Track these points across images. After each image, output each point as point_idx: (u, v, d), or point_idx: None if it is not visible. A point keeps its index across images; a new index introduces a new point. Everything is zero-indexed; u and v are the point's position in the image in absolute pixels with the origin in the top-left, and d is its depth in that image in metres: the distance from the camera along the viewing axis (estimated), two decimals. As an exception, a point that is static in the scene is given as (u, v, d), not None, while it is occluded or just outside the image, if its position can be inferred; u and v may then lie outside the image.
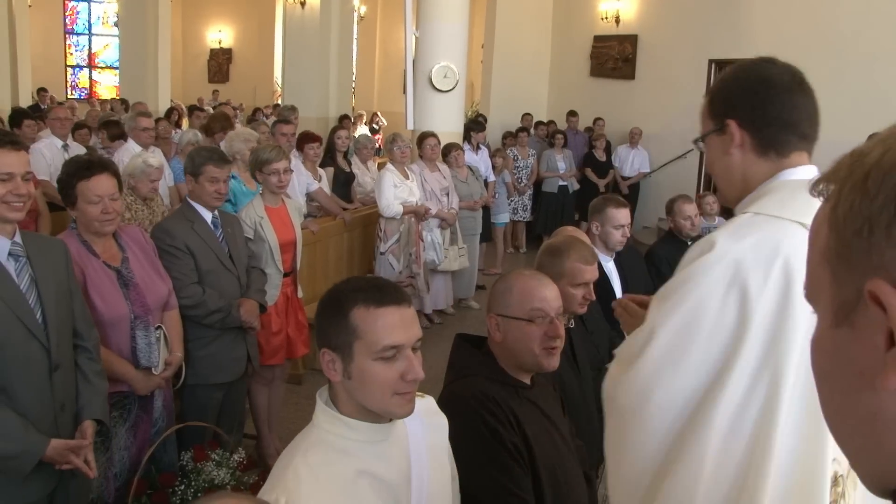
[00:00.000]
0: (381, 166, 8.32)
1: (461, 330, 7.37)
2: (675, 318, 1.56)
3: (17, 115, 7.76)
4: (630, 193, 11.26)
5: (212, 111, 11.08)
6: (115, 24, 19.70)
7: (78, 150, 7.48)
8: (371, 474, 1.69)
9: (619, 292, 3.93)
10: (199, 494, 3.31)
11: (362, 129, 15.86)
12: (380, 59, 21.51)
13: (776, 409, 1.49)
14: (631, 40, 12.10)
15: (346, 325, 1.66)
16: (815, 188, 0.74)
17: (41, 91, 16.39)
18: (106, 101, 17.61)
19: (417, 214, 7.06)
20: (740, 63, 1.77)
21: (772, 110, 1.65)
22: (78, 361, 2.76)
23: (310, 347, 4.87)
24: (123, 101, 14.23)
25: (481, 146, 9.73)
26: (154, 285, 3.38)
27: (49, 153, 6.98)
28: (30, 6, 16.75)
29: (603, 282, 3.61)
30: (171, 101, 15.97)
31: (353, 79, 18.63)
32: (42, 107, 13.56)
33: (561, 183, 11.06)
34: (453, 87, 8.56)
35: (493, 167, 9.76)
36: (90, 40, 22.73)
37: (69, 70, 22.61)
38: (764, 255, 1.52)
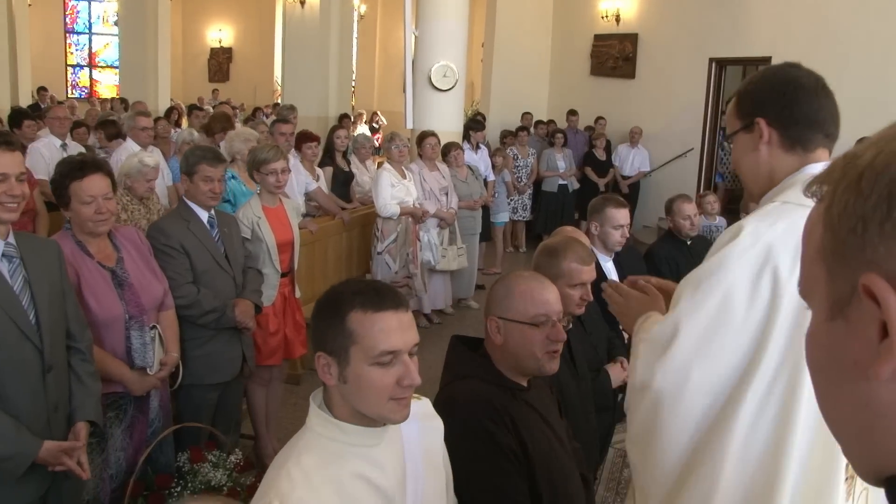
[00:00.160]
0: (381, 165, 8.30)
1: (461, 330, 7.40)
2: (711, 301, 1.66)
3: (17, 116, 7.75)
4: (630, 193, 11.25)
5: (211, 111, 11.08)
6: (116, 24, 19.67)
7: (77, 149, 7.47)
8: (366, 478, 1.68)
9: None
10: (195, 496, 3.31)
11: (362, 129, 15.86)
12: (380, 58, 21.50)
13: (799, 388, 1.59)
14: (631, 39, 12.09)
15: (342, 329, 1.65)
16: (808, 189, 0.77)
17: (41, 90, 16.40)
18: (106, 100, 17.62)
19: (415, 216, 7.03)
20: (768, 67, 1.92)
21: (799, 110, 1.76)
22: (71, 363, 2.74)
23: (308, 348, 4.85)
24: (123, 101, 14.23)
25: (481, 145, 9.71)
26: (149, 285, 3.36)
27: (47, 152, 6.96)
28: (29, 5, 16.76)
29: (601, 282, 3.59)
30: (171, 100, 15.97)
31: (353, 78, 18.63)
32: (42, 106, 13.55)
33: (561, 182, 11.04)
34: (453, 87, 8.55)
35: (493, 166, 9.74)
36: (90, 39, 22.75)
37: (70, 69, 22.62)
38: (793, 240, 1.55)
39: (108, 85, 22.20)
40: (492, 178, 9.53)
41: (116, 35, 18.99)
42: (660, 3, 11.86)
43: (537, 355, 2.28)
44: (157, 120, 8.69)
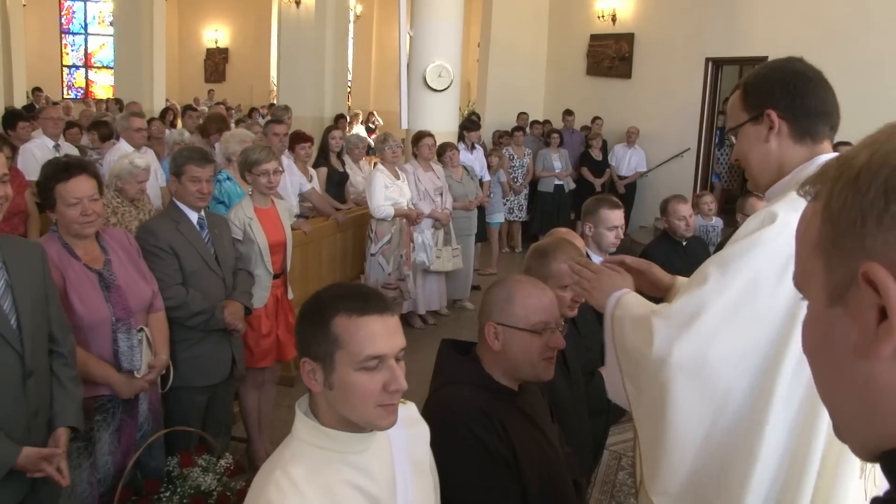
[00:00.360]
0: (376, 166, 8.27)
1: (456, 330, 7.37)
2: (740, 281, 1.70)
3: (11, 117, 7.69)
4: (626, 193, 11.24)
5: (206, 111, 11.04)
6: (112, 24, 19.63)
7: (70, 150, 7.44)
8: (355, 486, 1.65)
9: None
10: (185, 501, 3.27)
11: (359, 129, 15.83)
12: (376, 58, 21.50)
13: None
14: (627, 39, 12.07)
15: (327, 334, 1.62)
16: (801, 189, 0.83)
17: (36, 91, 16.36)
18: (101, 101, 17.59)
19: (409, 218, 7.00)
20: (772, 60, 1.94)
21: (809, 101, 1.81)
22: (53, 367, 2.70)
23: (300, 350, 4.81)
24: (118, 101, 14.19)
25: (476, 145, 9.69)
26: (137, 287, 3.32)
27: (40, 153, 6.91)
28: (24, 5, 16.68)
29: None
30: (167, 100, 15.93)
31: (349, 78, 18.60)
32: (36, 106, 13.51)
33: (557, 182, 11.03)
34: (448, 87, 8.52)
35: (489, 166, 9.72)
36: (86, 40, 22.71)
37: (65, 70, 22.58)
38: None
39: (104, 85, 22.17)
40: (487, 178, 9.51)
41: (112, 35, 18.96)
42: (656, 3, 11.85)
43: (535, 362, 2.24)
44: (150, 121, 8.66)
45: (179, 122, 11.82)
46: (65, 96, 20.91)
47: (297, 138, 7.04)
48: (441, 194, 7.50)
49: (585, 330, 3.47)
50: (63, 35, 22.51)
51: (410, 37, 8.70)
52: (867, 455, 0.79)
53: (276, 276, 4.59)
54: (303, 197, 6.89)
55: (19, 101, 14.17)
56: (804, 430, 1.69)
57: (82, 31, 22.71)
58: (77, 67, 22.79)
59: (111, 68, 20.30)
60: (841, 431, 0.82)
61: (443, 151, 7.90)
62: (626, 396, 1.95)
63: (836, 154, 1.75)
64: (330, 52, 14.18)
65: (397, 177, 7.02)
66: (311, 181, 6.98)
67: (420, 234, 7.29)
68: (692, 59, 11.10)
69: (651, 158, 11.63)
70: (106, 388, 3.21)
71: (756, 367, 1.69)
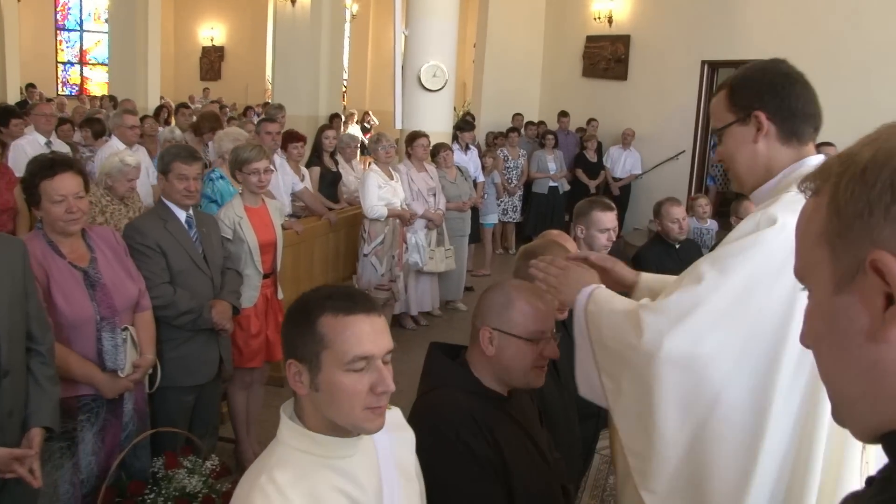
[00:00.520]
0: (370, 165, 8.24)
1: (448, 332, 7.34)
2: (735, 280, 1.70)
3: (4, 114, 7.62)
4: (621, 195, 11.23)
5: (201, 108, 11.00)
6: (107, 21, 19.56)
7: (61, 146, 7.39)
8: (342, 491, 1.62)
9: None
10: (169, 503, 3.23)
11: (354, 129, 15.80)
12: (372, 58, 21.46)
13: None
14: (623, 41, 12.05)
15: (313, 334, 1.59)
16: (801, 185, 0.88)
17: (30, 87, 16.28)
18: (96, 97, 17.52)
19: (402, 219, 6.96)
20: (757, 61, 1.94)
21: (796, 103, 1.83)
22: (30, 365, 2.65)
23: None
24: (112, 99, 14.14)
25: (470, 146, 9.66)
26: (123, 286, 3.29)
27: (31, 150, 6.84)
28: (18, 1, 16.61)
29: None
30: (161, 98, 15.88)
31: (345, 78, 18.56)
32: (29, 102, 13.44)
33: (551, 184, 11.02)
34: (442, 87, 8.49)
35: (483, 167, 9.69)
36: (81, 36, 22.62)
37: (60, 66, 22.49)
38: None
39: (98, 82, 22.10)
40: (481, 179, 9.48)
41: (107, 32, 18.89)
42: (652, 5, 11.84)
43: (527, 370, 2.21)
44: (143, 118, 8.61)
45: (173, 120, 11.79)
46: (59, 93, 20.79)
47: (290, 137, 7.00)
48: (434, 195, 7.47)
49: (576, 333, 3.44)
50: (58, 31, 22.41)
51: (405, 36, 8.67)
52: (868, 437, 0.83)
53: (265, 276, 4.55)
54: (295, 196, 6.85)
55: (13, 98, 14.11)
56: (806, 429, 1.70)
57: (77, 27, 22.62)
58: (72, 64, 22.70)
59: (106, 65, 20.19)
60: (842, 415, 0.86)
61: (437, 152, 7.86)
62: (603, 392, 1.94)
63: (821, 155, 1.80)
64: (325, 51, 14.14)
65: (391, 177, 6.98)
66: (303, 180, 6.94)
67: (413, 235, 7.26)
68: (688, 62, 11.09)
69: (646, 161, 11.62)
70: (90, 388, 3.17)
71: (752, 367, 1.69)
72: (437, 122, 8.53)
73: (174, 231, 3.78)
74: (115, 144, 6.56)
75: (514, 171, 10.72)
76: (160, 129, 9.12)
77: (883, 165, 0.77)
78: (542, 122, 12.53)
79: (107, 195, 4.78)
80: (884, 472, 0.81)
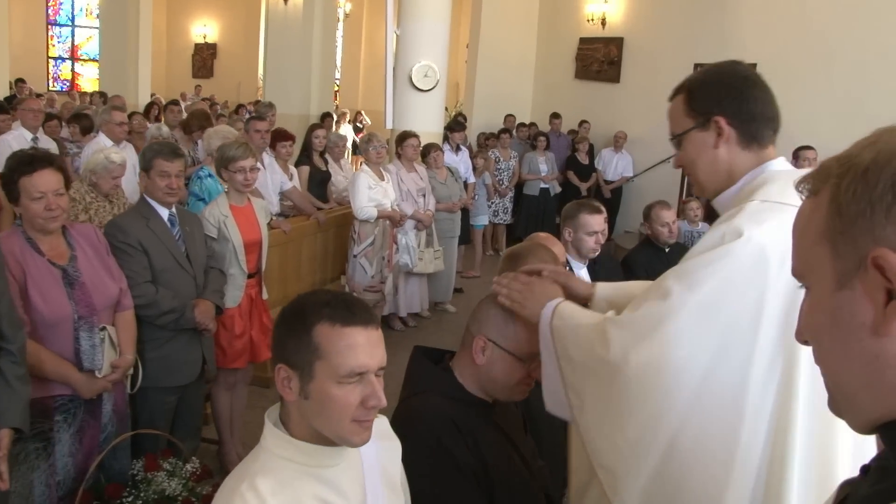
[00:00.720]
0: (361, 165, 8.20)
1: (437, 334, 7.30)
2: (703, 293, 1.67)
3: (-9, 109, 7.56)
4: (612, 198, 11.22)
5: (191, 106, 10.93)
6: (99, 16, 19.45)
7: (48, 143, 7.33)
8: (325, 501, 1.58)
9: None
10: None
11: (346, 128, 15.74)
12: (365, 57, 21.43)
13: (794, 384, 1.65)
14: (617, 43, 12.04)
15: (307, 342, 1.54)
16: (798, 185, 0.92)
17: (19, 82, 16.15)
18: (86, 94, 17.41)
19: (393, 220, 6.91)
20: (714, 64, 1.89)
21: (755, 106, 1.80)
22: (0, 365, 2.61)
23: (275, 352, 4.72)
24: (103, 95, 14.04)
25: (461, 147, 9.63)
26: (103, 285, 3.23)
27: (17, 146, 6.75)
28: (9, -5, 16.50)
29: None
30: (152, 95, 15.79)
31: (337, 77, 18.50)
32: (18, 97, 13.34)
33: (542, 185, 11.00)
34: (433, 87, 8.46)
35: (474, 168, 9.66)
36: (73, 32, 22.50)
37: (51, 62, 22.36)
38: (782, 239, 1.57)
39: (90, 78, 21.97)
40: (472, 179, 9.45)
41: (99, 28, 18.79)
42: (646, 8, 11.83)
43: (513, 387, 2.16)
44: (132, 115, 8.54)
45: (164, 118, 11.71)
46: (50, 88, 20.69)
47: (278, 136, 6.95)
48: (424, 195, 7.43)
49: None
50: (49, 27, 22.29)
51: (397, 36, 8.64)
52: (866, 427, 0.86)
53: (250, 276, 4.50)
54: (283, 195, 6.80)
55: (2, 93, 13.99)
56: (780, 433, 1.68)
57: (69, 22, 22.50)
58: (63, 59, 22.57)
59: (98, 61, 20.12)
60: (841, 406, 0.89)
61: (427, 152, 7.82)
62: (569, 407, 1.90)
63: (782, 158, 1.82)
64: (317, 50, 14.08)
65: (382, 177, 6.94)
66: (291, 179, 6.89)
67: (403, 236, 7.22)
68: (681, 64, 10.99)
69: (638, 163, 11.60)
70: (66, 388, 3.12)
71: (721, 379, 1.67)
72: (427, 123, 8.50)
73: (156, 229, 3.73)
74: (101, 141, 6.49)
75: (506, 173, 10.69)
76: (149, 125, 9.04)
77: (884, 167, 0.80)
78: (533, 124, 12.51)
79: (91, 192, 4.73)
80: (880, 460, 0.83)
